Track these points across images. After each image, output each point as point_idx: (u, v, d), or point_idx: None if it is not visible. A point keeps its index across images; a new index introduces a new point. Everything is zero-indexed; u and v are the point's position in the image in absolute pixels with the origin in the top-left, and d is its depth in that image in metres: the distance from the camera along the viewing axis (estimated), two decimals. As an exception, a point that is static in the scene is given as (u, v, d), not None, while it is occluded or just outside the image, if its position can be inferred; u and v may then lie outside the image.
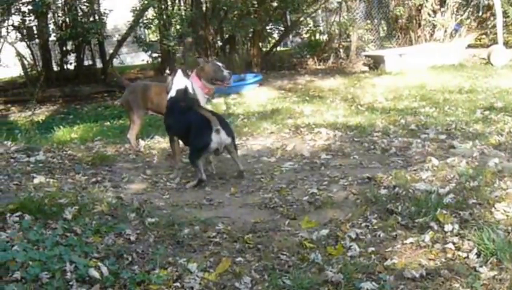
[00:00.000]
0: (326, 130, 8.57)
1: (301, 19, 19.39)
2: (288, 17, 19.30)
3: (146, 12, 18.15)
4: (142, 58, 19.81)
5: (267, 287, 3.72)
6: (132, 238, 4.56)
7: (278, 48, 20.87)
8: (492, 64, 15.07)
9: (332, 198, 5.51)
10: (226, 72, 7.82)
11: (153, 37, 21.38)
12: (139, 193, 6.01)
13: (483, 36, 19.99)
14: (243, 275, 3.90)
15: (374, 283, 3.69)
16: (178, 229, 4.78)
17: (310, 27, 20.70)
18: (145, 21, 18.12)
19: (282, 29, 20.23)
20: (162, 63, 19.11)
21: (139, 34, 19.43)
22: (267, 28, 19.19)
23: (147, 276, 3.83)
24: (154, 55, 18.84)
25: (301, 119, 9.66)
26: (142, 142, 8.11)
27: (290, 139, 8.14)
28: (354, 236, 4.49)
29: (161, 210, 5.37)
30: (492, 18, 17.67)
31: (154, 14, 17.93)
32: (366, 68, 17.38)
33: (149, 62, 19.28)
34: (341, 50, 19.30)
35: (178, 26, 17.27)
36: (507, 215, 4.64)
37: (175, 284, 3.77)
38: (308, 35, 20.76)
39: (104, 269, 3.86)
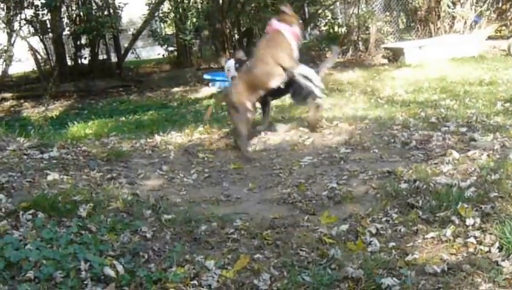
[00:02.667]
0: (345, 123, 8.52)
1: (319, 11, 19.33)
2: (306, 9, 19.23)
3: (162, 6, 18.17)
4: (157, 52, 19.80)
5: (286, 284, 3.69)
6: (148, 235, 4.54)
7: (296, 41, 20.80)
8: (512, 56, 14.99)
9: (352, 193, 5.46)
10: None
11: (168, 30, 21.41)
12: (155, 190, 5.97)
13: (503, 28, 19.85)
14: (261, 272, 3.88)
15: (395, 278, 3.66)
16: (195, 225, 4.75)
17: (328, 19, 20.62)
18: (160, 14, 18.12)
19: (301, 21, 20.13)
20: (178, 56, 19.12)
21: (155, 28, 19.45)
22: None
23: (163, 274, 3.81)
24: (170, 48, 18.86)
25: (320, 113, 9.60)
26: (158, 138, 8.06)
27: (309, 133, 8.08)
28: (374, 231, 4.46)
29: (178, 207, 5.33)
30: (512, 9, 17.55)
31: (170, 8, 17.97)
32: (386, 61, 17.32)
33: (165, 56, 19.28)
34: (360, 42, 19.24)
35: (194, 20, 17.28)
36: (529, 209, 4.58)
37: (192, 282, 3.74)
38: (326, 27, 20.68)
39: (120, 268, 3.85)
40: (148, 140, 8.09)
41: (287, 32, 7.17)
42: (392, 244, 4.22)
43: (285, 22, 7.38)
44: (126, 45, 19.40)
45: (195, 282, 3.75)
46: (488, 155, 6.13)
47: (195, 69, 18.06)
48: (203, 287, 3.71)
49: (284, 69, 7.20)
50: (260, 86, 7.28)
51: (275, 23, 7.29)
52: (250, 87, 7.21)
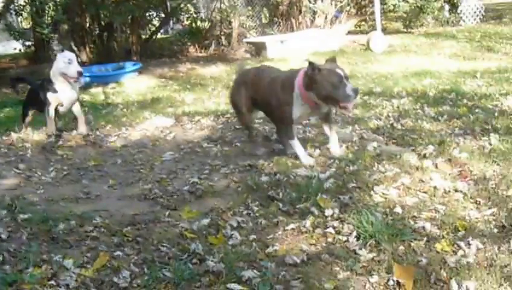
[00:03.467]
0: (207, 118, 8.54)
1: (181, 5, 19.23)
2: (168, 3, 19.09)
3: (17, -2, 17.63)
4: (14, 46, 19.19)
5: (147, 281, 3.64)
6: (3, 236, 4.35)
7: (158, 35, 20.63)
8: (371, 50, 15.43)
9: (214, 187, 5.47)
10: (349, 89, 5.49)
11: (25, 24, 20.81)
12: (12, 189, 5.74)
13: (363, 23, 20.43)
14: (121, 270, 3.80)
15: (255, 270, 3.69)
16: (53, 224, 4.58)
17: (191, 14, 20.54)
18: (16, 7, 17.57)
19: (162, 15, 20.01)
20: (35, 51, 18.62)
21: (10, 22, 18.82)
22: (147, 14, 18.93)
23: (19, 275, 3.67)
24: (27, 43, 18.34)
25: (182, 108, 9.62)
26: (14, 135, 7.80)
27: (171, 128, 8.05)
28: (235, 224, 4.48)
29: (35, 206, 5.15)
30: (371, 5, 18.03)
31: (26, 1, 17.42)
32: (248, 55, 17.45)
33: (22, 51, 18.73)
34: (223, 37, 19.29)
35: (52, 13, 16.81)
36: (385, 198, 4.75)
37: (50, 283, 3.62)
38: (189, 22, 20.61)
39: (-28, 271, 3.69)
40: (4, 138, 7.82)
41: None
42: (253, 236, 4.25)
43: None
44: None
45: (52, 282, 3.63)
46: (346, 147, 6.30)
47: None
48: (60, 287, 3.60)
49: None
50: None
51: None
52: None
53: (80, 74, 7.66)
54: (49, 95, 7.68)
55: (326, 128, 6.17)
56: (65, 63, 7.53)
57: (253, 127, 6.97)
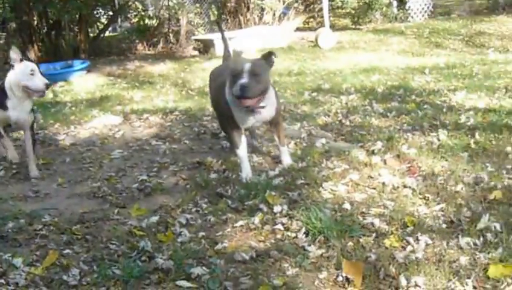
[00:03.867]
0: (156, 116, 8.51)
1: (129, 3, 19.13)
2: (116, 1, 18.97)
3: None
4: (-39, 45, 18.94)
5: (96, 278, 3.64)
6: (-48, 235, 4.34)
7: (106, 33, 20.47)
8: (320, 47, 15.46)
9: (162, 184, 5.49)
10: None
11: (-28, 22, 20.52)
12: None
13: (311, 19, 20.50)
14: (70, 267, 3.81)
15: (204, 267, 3.69)
16: (2, 223, 4.61)
17: (139, 11, 20.43)
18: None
19: (110, 13, 19.87)
20: (-17, 50, 18.40)
21: (-43, 19, 18.58)
22: (95, 12, 18.77)
23: (-33, 275, 3.64)
24: (-25, 42, 18.13)
25: (131, 106, 9.54)
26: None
27: (119, 126, 8.01)
28: (184, 222, 4.49)
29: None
30: (319, 1, 18.12)
31: (-26, -1, 17.22)
32: (197, 52, 17.39)
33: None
34: (171, 35, 19.19)
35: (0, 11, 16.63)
36: (334, 194, 4.78)
37: (-1, 281, 3.60)
38: (137, 19, 20.50)
39: None
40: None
41: None
42: (201, 233, 4.26)
43: None
44: None
45: (2, 281, 3.64)
46: (295, 143, 6.34)
47: (2, 62, 17.43)
48: (10, 285, 3.60)
49: None
50: None
51: None
52: None
53: (47, 86, 6.22)
54: None
55: (276, 138, 5.75)
56: (27, 74, 6.01)
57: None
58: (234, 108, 5.29)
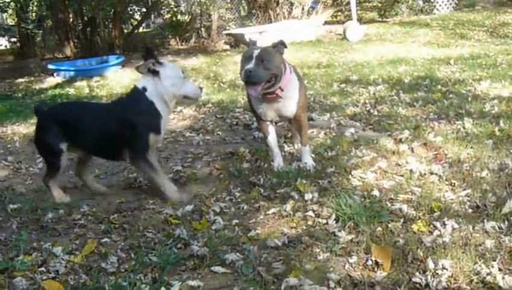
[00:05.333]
0: (189, 108, 8.64)
1: (162, -1, 19.30)
2: (149, -3, 19.16)
3: (2, -5, 17.60)
4: (0, 42, 19.17)
5: (134, 265, 3.72)
6: (-6, 226, 4.47)
7: (140, 29, 20.66)
8: (347, 40, 15.49)
9: (197, 174, 5.60)
10: None
11: (10, 20, 20.75)
12: (1, 180, 5.88)
13: (339, 13, 20.52)
14: (109, 255, 3.88)
15: (238, 253, 3.76)
16: (42, 214, 4.72)
17: (171, 7, 20.56)
18: (0, 4, 17.54)
19: (144, 10, 20.02)
20: (21, 47, 18.61)
21: (-4, 19, 18.85)
22: (128, 9, 18.94)
23: (10, 263, 3.77)
24: (13, 39, 18.32)
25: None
26: (2, 129, 7.87)
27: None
28: (218, 210, 4.57)
29: (24, 196, 5.28)
30: (346, -5, 18.16)
31: (11, -3, 17.41)
32: (228, 47, 17.49)
33: (7, 47, 18.73)
34: (202, 30, 19.31)
35: (36, 9, 16.81)
36: (363, 181, 4.85)
37: (40, 269, 3.71)
38: (169, 15, 20.64)
39: (-35, 260, 3.76)
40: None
41: None
42: (235, 221, 4.33)
43: None
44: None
45: (43, 269, 3.71)
46: (325, 133, 6.43)
47: (39, 59, 17.62)
48: (50, 273, 3.67)
49: None
50: None
51: None
52: None
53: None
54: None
55: (298, 137, 5.76)
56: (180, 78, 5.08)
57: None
58: (253, 98, 5.34)
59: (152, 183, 5.11)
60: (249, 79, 4.89)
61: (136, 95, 4.96)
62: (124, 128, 4.87)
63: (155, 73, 4.93)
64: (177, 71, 5.04)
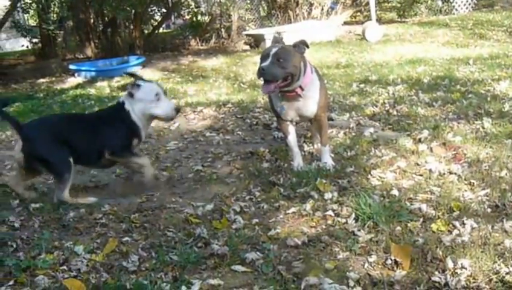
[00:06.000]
0: (209, 108, 8.68)
1: (182, 0, 19.32)
2: (169, -2, 19.22)
3: (24, -4, 17.70)
4: (22, 43, 19.27)
5: (155, 264, 3.75)
6: (16, 225, 4.53)
7: (160, 30, 20.72)
8: (366, 40, 15.46)
9: (217, 174, 5.62)
10: None
11: (32, 21, 20.87)
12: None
13: (358, 13, 20.53)
14: (130, 254, 3.92)
15: (258, 252, 3.78)
16: (63, 213, 4.77)
17: (192, 8, 20.62)
18: (23, 5, 17.65)
19: (164, 10, 20.09)
20: (42, 48, 18.71)
21: (18, 19, 18.92)
22: (149, 9, 19.01)
23: (32, 262, 3.80)
24: (34, 40, 18.43)
25: (185, 99, 9.72)
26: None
27: (174, 119, 8.16)
28: (238, 209, 4.59)
29: (46, 195, 5.34)
30: (365, -4, 18.18)
31: (32, -2, 17.50)
32: (247, 47, 17.51)
33: (29, 47, 18.85)
34: (222, 30, 19.34)
35: (57, 10, 16.91)
36: (382, 181, 4.87)
37: (62, 268, 3.75)
38: (190, 16, 20.71)
39: (-13, 258, 3.81)
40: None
41: None
42: (255, 220, 4.35)
43: None
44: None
45: (64, 267, 3.75)
46: (344, 133, 6.45)
47: (60, 59, 17.71)
48: (72, 271, 3.71)
49: None
50: None
51: None
52: None
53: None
54: None
55: (318, 137, 5.76)
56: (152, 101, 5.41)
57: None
58: (273, 95, 5.37)
59: (134, 169, 5.58)
60: (262, 77, 4.94)
61: (118, 107, 5.53)
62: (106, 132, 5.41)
63: (131, 95, 5.40)
64: (150, 94, 5.38)
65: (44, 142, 5.13)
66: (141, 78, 5.64)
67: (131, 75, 5.43)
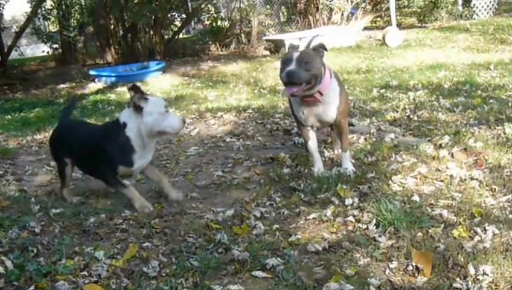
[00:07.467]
0: (229, 114, 8.69)
1: (202, 5, 19.37)
2: (189, 4, 19.24)
3: (44, 3, 17.82)
4: (42, 49, 19.42)
5: (175, 270, 3.75)
6: (37, 230, 4.53)
7: (181, 35, 20.77)
8: (387, 45, 15.43)
9: (237, 179, 5.63)
10: None
11: (52, 27, 21.01)
12: (44, 185, 5.97)
13: (378, 19, 20.49)
14: (150, 260, 3.93)
15: (279, 258, 3.78)
16: (84, 218, 4.77)
17: (211, 13, 20.70)
18: (43, 11, 17.79)
19: (184, 16, 20.16)
20: (63, 53, 18.85)
21: (38, 25, 19.07)
22: (169, 15, 19.07)
23: (53, 267, 3.81)
24: (55, 46, 18.56)
25: (205, 105, 9.74)
26: (45, 134, 7.98)
27: (195, 124, 8.22)
28: (258, 215, 4.59)
29: (66, 201, 5.36)
30: (386, 1, 18.12)
31: (53, 4, 17.62)
32: (267, 52, 17.54)
33: (50, 53, 18.99)
34: (242, 35, 19.38)
35: (78, 16, 17.02)
36: (403, 187, 4.85)
37: (82, 273, 3.75)
38: (209, 21, 20.79)
39: (9, 263, 3.82)
40: (35, 137, 8.02)
41: None
42: (276, 226, 4.35)
43: None
44: (9, 43, 18.89)
45: (85, 273, 3.76)
46: (365, 139, 6.43)
47: (80, 65, 17.82)
48: (93, 277, 3.72)
49: None
50: None
51: None
52: None
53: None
54: None
55: (338, 142, 5.76)
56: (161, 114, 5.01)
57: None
58: (293, 100, 5.38)
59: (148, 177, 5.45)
60: (290, 80, 4.92)
61: (116, 128, 5.06)
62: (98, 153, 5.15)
63: (139, 109, 4.93)
64: (159, 106, 5.00)
65: None
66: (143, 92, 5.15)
67: (134, 88, 4.98)
